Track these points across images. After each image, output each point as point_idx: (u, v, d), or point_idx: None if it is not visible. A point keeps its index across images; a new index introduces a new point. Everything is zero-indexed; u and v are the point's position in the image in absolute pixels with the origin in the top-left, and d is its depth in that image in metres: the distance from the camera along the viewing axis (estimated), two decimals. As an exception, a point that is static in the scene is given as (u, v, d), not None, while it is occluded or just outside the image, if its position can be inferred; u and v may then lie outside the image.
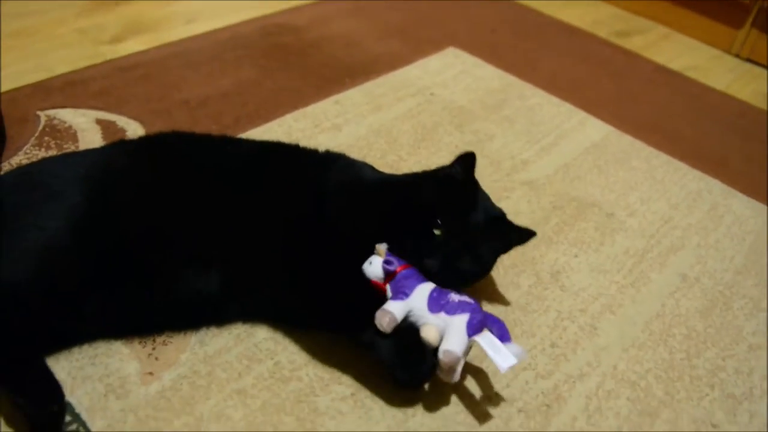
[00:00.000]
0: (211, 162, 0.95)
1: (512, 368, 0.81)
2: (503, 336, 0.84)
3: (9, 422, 0.78)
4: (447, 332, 0.82)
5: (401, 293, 0.85)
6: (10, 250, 0.81)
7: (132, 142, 1.05)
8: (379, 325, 0.82)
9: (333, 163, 1.01)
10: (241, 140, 1.08)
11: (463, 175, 0.96)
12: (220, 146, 1.00)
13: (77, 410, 0.81)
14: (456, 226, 0.90)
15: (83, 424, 0.80)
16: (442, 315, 0.83)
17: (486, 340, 0.82)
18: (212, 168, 0.94)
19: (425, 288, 0.86)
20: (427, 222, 0.90)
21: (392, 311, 0.83)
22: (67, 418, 0.80)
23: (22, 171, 0.97)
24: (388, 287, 0.87)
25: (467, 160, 0.96)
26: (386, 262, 0.87)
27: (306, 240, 0.90)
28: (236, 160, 0.97)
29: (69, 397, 0.82)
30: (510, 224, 0.97)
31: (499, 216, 0.97)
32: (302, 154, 1.02)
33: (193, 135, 1.03)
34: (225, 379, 0.86)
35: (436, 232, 0.90)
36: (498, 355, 0.80)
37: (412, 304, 0.85)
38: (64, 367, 0.85)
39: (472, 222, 0.92)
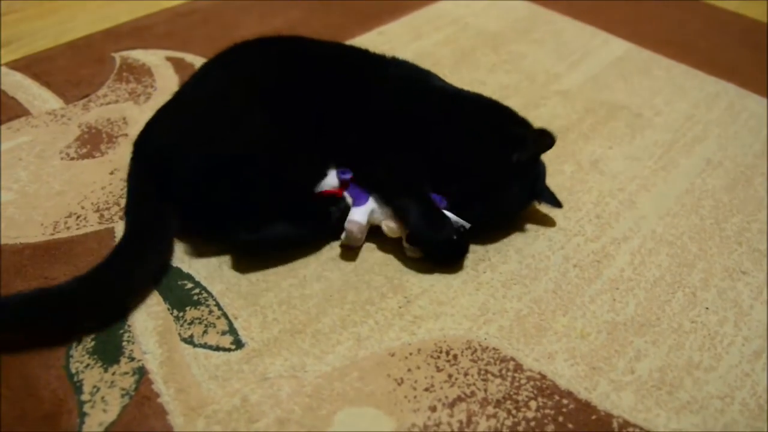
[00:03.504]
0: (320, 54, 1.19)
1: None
2: None
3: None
4: None
5: (362, 198, 1.00)
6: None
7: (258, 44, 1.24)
8: (351, 234, 0.97)
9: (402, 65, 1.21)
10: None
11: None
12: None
13: (197, 278, 0.95)
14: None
15: (204, 288, 0.94)
16: None
17: None
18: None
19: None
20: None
21: (358, 220, 0.97)
22: (189, 285, 0.94)
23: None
24: (345, 193, 1.01)
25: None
26: (342, 171, 1.01)
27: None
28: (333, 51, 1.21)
29: (188, 269, 0.97)
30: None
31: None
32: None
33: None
34: (319, 250, 1.01)
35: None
36: None
37: (372, 205, 0.99)
38: (180, 247, 0.99)
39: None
